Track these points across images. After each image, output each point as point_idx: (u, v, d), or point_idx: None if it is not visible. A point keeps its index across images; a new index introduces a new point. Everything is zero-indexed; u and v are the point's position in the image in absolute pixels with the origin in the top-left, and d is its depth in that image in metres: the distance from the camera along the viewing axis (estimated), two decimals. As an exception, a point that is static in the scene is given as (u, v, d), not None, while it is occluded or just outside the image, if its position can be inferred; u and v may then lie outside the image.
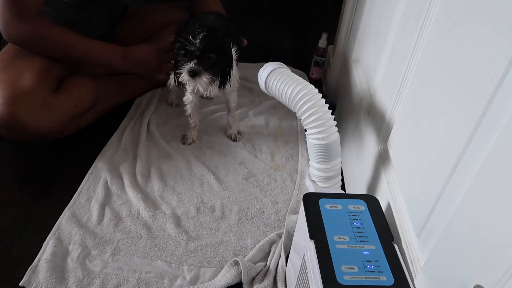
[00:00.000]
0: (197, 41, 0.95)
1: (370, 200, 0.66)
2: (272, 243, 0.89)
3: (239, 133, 1.22)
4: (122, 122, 1.25)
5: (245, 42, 1.17)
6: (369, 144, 0.87)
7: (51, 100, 1.05)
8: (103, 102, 1.21)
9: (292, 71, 0.79)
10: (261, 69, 0.79)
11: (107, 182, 1.03)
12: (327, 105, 0.73)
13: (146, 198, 1.00)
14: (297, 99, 0.73)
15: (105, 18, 1.29)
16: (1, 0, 0.99)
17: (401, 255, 0.58)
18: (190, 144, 1.18)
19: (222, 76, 1.03)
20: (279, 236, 0.90)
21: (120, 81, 1.28)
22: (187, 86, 1.10)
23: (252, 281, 0.81)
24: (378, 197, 0.68)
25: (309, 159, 0.78)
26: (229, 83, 1.05)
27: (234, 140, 1.21)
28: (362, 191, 0.89)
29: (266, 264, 0.85)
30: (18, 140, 1.10)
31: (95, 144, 1.15)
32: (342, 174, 0.79)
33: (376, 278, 0.54)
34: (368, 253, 0.57)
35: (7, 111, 0.97)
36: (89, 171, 1.06)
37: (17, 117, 0.98)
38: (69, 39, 1.08)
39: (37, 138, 1.05)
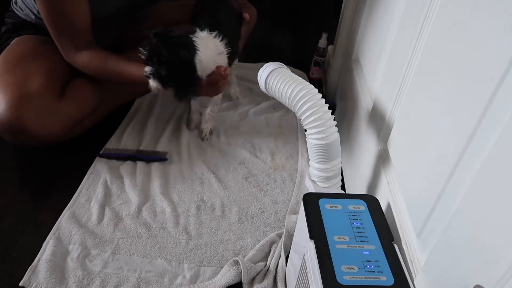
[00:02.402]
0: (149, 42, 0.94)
1: (370, 200, 0.66)
2: (272, 243, 0.89)
3: (211, 132, 1.20)
4: (122, 122, 1.25)
5: (247, 16, 1.17)
6: (369, 144, 0.87)
7: (56, 105, 1.05)
8: (106, 104, 1.21)
9: (292, 71, 0.79)
10: (261, 69, 0.79)
11: (107, 182, 1.03)
12: (327, 105, 0.73)
13: (146, 197, 1.00)
14: (297, 99, 0.73)
15: (118, 27, 1.27)
16: (56, 36, 1.02)
17: (401, 255, 0.58)
18: (194, 129, 1.19)
19: (178, 87, 0.99)
20: (279, 236, 0.90)
21: (123, 83, 1.28)
22: None
23: (252, 281, 0.81)
24: (378, 197, 0.68)
25: (309, 159, 0.78)
26: (191, 96, 1.02)
27: (203, 139, 1.19)
28: (362, 191, 0.89)
29: (266, 264, 0.85)
30: (22, 144, 1.10)
31: (95, 144, 1.15)
32: (342, 174, 0.79)
33: (376, 278, 0.54)
34: (368, 253, 0.57)
35: (13, 116, 0.96)
36: (89, 171, 1.06)
37: (22, 122, 0.97)
38: (115, 67, 1.08)
39: (41, 143, 1.04)
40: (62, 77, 1.10)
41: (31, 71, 1.03)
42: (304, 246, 0.62)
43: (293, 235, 0.83)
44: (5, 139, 1.04)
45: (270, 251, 0.88)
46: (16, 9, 1.15)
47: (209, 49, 1.00)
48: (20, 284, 0.79)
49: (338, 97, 1.31)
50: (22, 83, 0.99)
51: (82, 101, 1.12)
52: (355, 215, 0.63)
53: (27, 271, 0.81)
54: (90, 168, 1.07)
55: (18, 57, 1.06)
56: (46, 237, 0.88)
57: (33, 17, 1.13)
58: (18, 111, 0.97)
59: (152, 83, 0.99)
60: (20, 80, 1.00)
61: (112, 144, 1.16)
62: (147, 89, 1.36)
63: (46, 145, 1.08)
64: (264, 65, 0.79)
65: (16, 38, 1.12)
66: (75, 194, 0.99)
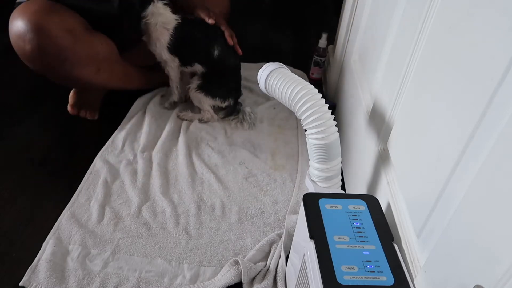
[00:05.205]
0: None
1: (370, 200, 0.67)
2: (272, 243, 0.89)
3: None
4: (122, 121, 1.25)
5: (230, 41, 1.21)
6: (369, 144, 0.87)
7: (78, 29, 1.08)
8: (107, 69, 1.21)
9: (292, 71, 0.79)
10: (260, 69, 0.79)
11: (107, 181, 1.03)
12: (327, 105, 0.73)
13: (147, 196, 1.00)
14: (297, 99, 0.73)
15: None
16: None
17: (401, 255, 0.58)
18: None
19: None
20: (279, 236, 0.91)
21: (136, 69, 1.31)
22: None
23: (252, 281, 0.81)
24: (378, 197, 0.68)
25: (309, 159, 0.78)
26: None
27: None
28: (362, 191, 0.89)
29: (266, 264, 0.85)
30: (48, 70, 1.09)
31: (94, 143, 1.15)
32: (342, 174, 0.79)
33: (376, 278, 0.54)
34: (368, 253, 0.57)
35: (36, 23, 1.00)
36: (88, 171, 1.06)
37: (45, 25, 1.00)
38: None
39: (65, 62, 1.06)
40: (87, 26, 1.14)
41: (55, 8, 1.06)
42: (304, 246, 0.62)
43: (293, 235, 0.83)
44: (33, 63, 1.06)
45: (270, 251, 0.88)
46: None
47: (160, 15, 1.15)
48: (20, 284, 0.79)
49: (338, 97, 1.31)
50: (45, 10, 1.03)
51: (104, 38, 1.15)
52: (355, 215, 0.63)
53: (27, 271, 0.81)
54: (90, 167, 1.07)
55: (36, 4, 1.06)
56: (46, 237, 0.88)
57: None
58: (40, 19, 1.00)
59: None
60: (43, 8, 1.03)
61: (111, 143, 1.16)
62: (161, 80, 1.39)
63: (70, 70, 1.08)
64: (264, 65, 0.79)
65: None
66: (75, 194, 0.99)
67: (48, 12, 1.03)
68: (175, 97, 1.32)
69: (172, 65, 1.22)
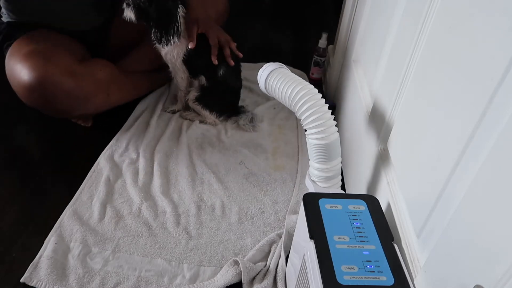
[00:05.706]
0: None
1: (370, 200, 0.67)
2: (272, 243, 0.89)
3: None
4: (127, 121, 1.26)
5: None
6: (369, 144, 0.87)
7: (78, 64, 1.10)
8: (115, 90, 1.22)
9: (292, 71, 0.79)
10: (260, 69, 0.79)
11: (109, 180, 1.03)
12: (327, 105, 0.73)
13: (147, 196, 1.00)
14: (297, 99, 0.73)
15: (98, 8, 1.25)
16: None
17: (401, 255, 0.58)
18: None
19: (157, 28, 1.10)
20: (279, 236, 0.91)
21: (136, 76, 1.31)
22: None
23: (252, 281, 0.81)
24: (378, 197, 0.68)
25: (309, 159, 0.78)
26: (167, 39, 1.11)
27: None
28: (362, 191, 0.89)
29: (266, 264, 0.85)
30: (53, 110, 1.10)
31: (97, 143, 1.15)
32: (342, 174, 0.79)
33: (376, 278, 0.54)
34: (368, 253, 0.57)
35: (38, 76, 1.01)
36: (92, 169, 1.07)
37: (48, 76, 1.01)
38: None
39: (70, 101, 1.07)
40: (79, 52, 1.15)
41: (51, 51, 1.07)
42: (304, 246, 0.62)
43: (293, 235, 0.83)
44: (38, 108, 1.08)
45: (270, 251, 0.88)
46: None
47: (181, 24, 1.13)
48: (21, 280, 0.79)
49: (338, 97, 1.31)
50: (43, 59, 1.04)
51: (102, 63, 1.16)
52: (355, 215, 0.63)
53: (29, 267, 0.81)
54: (93, 166, 1.08)
55: (32, 48, 1.07)
56: (47, 234, 0.88)
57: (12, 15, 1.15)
58: (42, 72, 1.01)
59: (127, 12, 1.06)
60: (42, 59, 1.04)
61: (115, 142, 1.16)
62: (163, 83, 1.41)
63: (75, 106, 1.09)
64: (264, 65, 0.79)
65: (13, 44, 1.12)
66: (77, 192, 1.00)
67: (44, 57, 1.04)
68: (180, 106, 1.32)
69: (182, 76, 1.23)
